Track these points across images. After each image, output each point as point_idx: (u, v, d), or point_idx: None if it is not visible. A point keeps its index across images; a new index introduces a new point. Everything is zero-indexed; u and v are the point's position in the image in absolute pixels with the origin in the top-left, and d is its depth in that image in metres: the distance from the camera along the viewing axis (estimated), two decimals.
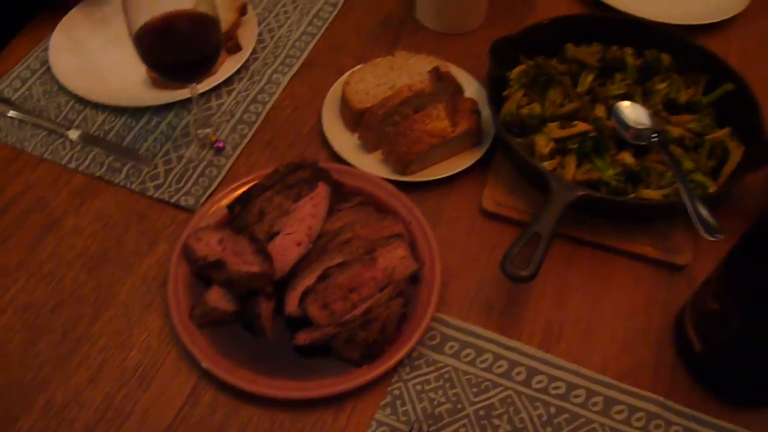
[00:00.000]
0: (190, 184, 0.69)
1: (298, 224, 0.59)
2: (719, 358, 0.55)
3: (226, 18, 0.80)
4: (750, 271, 0.49)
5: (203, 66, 0.64)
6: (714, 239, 0.58)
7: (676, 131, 0.69)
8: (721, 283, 0.52)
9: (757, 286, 0.49)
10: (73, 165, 0.71)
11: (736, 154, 0.68)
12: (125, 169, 0.71)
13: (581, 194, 0.61)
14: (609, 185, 0.65)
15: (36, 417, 0.55)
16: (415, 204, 0.65)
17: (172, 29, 0.61)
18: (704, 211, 0.59)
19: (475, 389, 0.57)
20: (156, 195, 0.68)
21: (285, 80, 0.79)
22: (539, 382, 0.57)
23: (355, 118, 0.72)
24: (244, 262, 0.57)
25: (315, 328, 0.56)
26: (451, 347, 0.59)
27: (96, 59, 0.80)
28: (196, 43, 0.63)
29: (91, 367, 0.57)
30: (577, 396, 0.56)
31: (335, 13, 0.88)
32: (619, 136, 0.69)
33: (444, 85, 0.71)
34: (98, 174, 0.70)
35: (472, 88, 0.76)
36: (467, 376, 0.57)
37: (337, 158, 0.71)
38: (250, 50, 0.81)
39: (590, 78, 0.75)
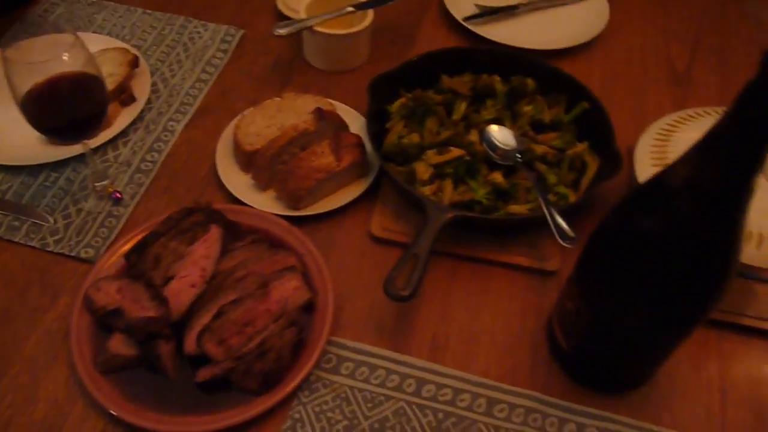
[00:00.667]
0: (90, 236, 0.72)
1: (192, 267, 0.63)
2: (581, 353, 0.62)
3: (118, 72, 0.83)
4: (593, 270, 0.56)
5: (91, 125, 0.67)
6: (568, 245, 0.65)
7: (540, 149, 0.77)
8: (573, 284, 0.59)
9: (599, 283, 0.56)
10: None
11: (592, 166, 0.76)
12: (25, 227, 0.72)
13: (453, 215, 0.67)
14: (482, 204, 0.72)
15: None
16: (308, 236, 0.70)
17: (56, 92, 0.64)
18: (560, 220, 0.66)
19: (369, 404, 0.61)
20: (56, 249, 0.70)
21: (180, 128, 0.83)
22: (428, 391, 0.62)
23: (246, 160, 0.76)
24: (141, 308, 0.60)
25: (214, 364, 0.60)
26: (347, 367, 0.64)
27: None
28: (81, 103, 0.66)
29: None
30: (462, 400, 0.62)
31: (226, 59, 0.92)
32: (490, 158, 0.76)
33: (327, 123, 0.76)
34: None
35: (358, 123, 0.82)
36: (362, 393, 0.62)
37: (233, 199, 0.75)
38: (144, 101, 0.84)
39: (464, 106, 0.82)
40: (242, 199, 0.74)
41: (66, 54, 0.63)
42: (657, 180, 0.50)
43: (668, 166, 0.49)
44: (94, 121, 0.67)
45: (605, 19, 0.99)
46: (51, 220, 0.73)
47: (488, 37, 0.96)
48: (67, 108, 0.65)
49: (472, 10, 1.00)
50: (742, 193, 0.45)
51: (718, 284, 0.51)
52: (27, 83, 0.63)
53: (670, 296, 0.52)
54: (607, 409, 0.62)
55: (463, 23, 0.97)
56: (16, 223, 0.73)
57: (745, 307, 0.69)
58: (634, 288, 0.53)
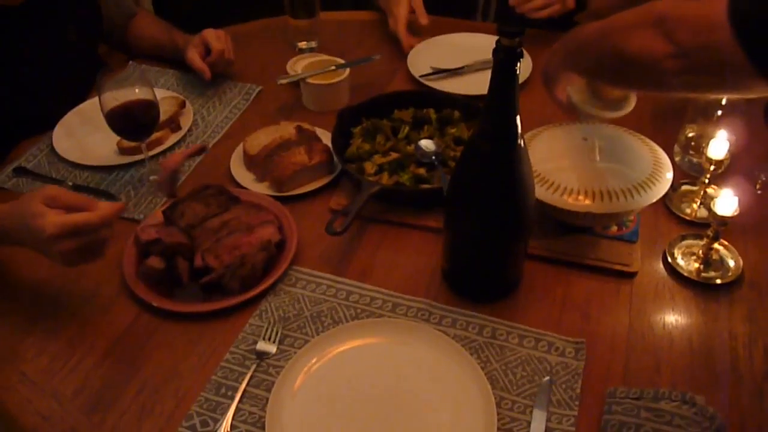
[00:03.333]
0: (142, 207, 1.07)
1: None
2: (454, 270, 0.90)
3: (170, 110, 1.22)
4: (449, 206, 0.86)
5: (148, 127, 1.04)
6: None
7: (451, 153, 1.08)
8: (444, 221, 0.89)
9: (454, 215, 0.85)
10: None
11: None
12: None
13: (378, 188, 0.99)
14: (405, 185, 1.03)
15: None
16: (287, 208, 1.03)
17: (129, 109, 1.02)
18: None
19: (311, 304, 0.91)
20: (122, 216, 1.05)
21: (210, 145, 1.20)
22: (353, 298, 0.92)
23: (249, 161, 1.11)
24: (174, 238, 0.93)
25: (212, 272, 0.91)
26: (302, 285, 0.94)
27: (83, 140, 1.20)
28: (143, 115, 1.03)
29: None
30: (376, 304, 0.91)
31: (247, 105, 1.30)
32: (418, 160, 1.08)
33: (304, 136, 1.11)
34: None
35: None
36: (308, 297, 0.92)
37: (240, 186, 1.09)
38: (186, 129, 1.22)
39: (407, 128, 1.15)
40: (245, 186, 1.08)
41: (137, 88, 1.01)
42: (470, 139, 0.81)
43: (475, 129, 0.80)
44: (150, 125, 1.04)
45: (527, 72, 1.33)
46: (121, 198, 1.08)
47: (440, 88, 1.30)
48: (134, 117, 1.02)
49: (428, 70, 1.36)
50: (509, 140, 0.76)
51: (517, 208, 0.80)
52: (110, 105, 1.01)
53: (492, 218, 0.81)
54: (476, 310, 0.89)
55: (419, 79, 1.32)
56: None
57: (589, 253, 0.96)
58: (471, 215, 0.83)
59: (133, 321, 0.90)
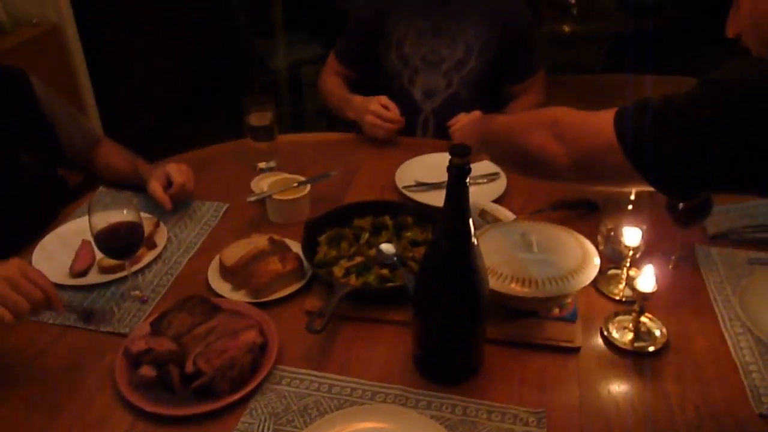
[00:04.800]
0: (126, 321, 1.14)
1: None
2: (423, 356, 1.02)
3: (146, 229, 1.31)
4: (416, 297, 0.99)
5: (134, 246, 1.13)
6: None
7: (410, 254, 1.22)
8: (413, 311, 1.01)
9: (420, 305, 0.98)
10: (50, 321, 1.14)
11: None
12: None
13: (349, 289, 1.11)
14: (371, 285, 1.16)
15: None
16: (265, 312, 1.12)
17: (115, 229, 1.11)
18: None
19: (297, 399, 0.99)
20: (105, 329, 1.12)
21: (185, 260, 1.29)
22: (335, 390, 1.01)
23: (225, 272, 1.21)
24: (164, 347, 1.01)
25: (203, 376, 0.99)
26: (287, 381, 1.02)
27: (64, 261, 1.27)
28: (129, 235, 1.12)
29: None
30: (356, 393, 1.00)
31: (216, 221, 1.42)
32: (381, 262, 1.21)
33: (276, 246, 1.23)
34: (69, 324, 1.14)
35: (298, 248, 1.28)
36: (294, 393, 1.00)
37: (218, 295, 1.18)
38: (162, 246, 1.31)
39: (366, 235, 1.29)
40: (223, 295, 1.18)
41: (125, 209, 1.11)
42: (432, 240, 0.95)
43: (435, 231, 0.94)
44: (135, 245, 1.13)
45: (502, 188, 1.51)
46: (104, 315, 1.15)
47: (418, 199, 1.46)
48: (120, 238, 1.12)
49: (408, 182, 1.53)
50: (465, 240, 0.91)
51: (475, 297, 0.94)
52: (98, 226, 1.10)
53: (455, 306, 0.95)
54: (447, 392, 0.99)
55: (402, 190, 1.48)
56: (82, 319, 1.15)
57: (538, 334, 1.09)
58: (438, 304, 0.96)
59: (129, 429, 0.95)
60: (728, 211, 1.36)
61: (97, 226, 1.10)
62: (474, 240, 0.92)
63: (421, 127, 1.91)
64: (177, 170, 1.43)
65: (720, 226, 1.33)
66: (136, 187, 1.46)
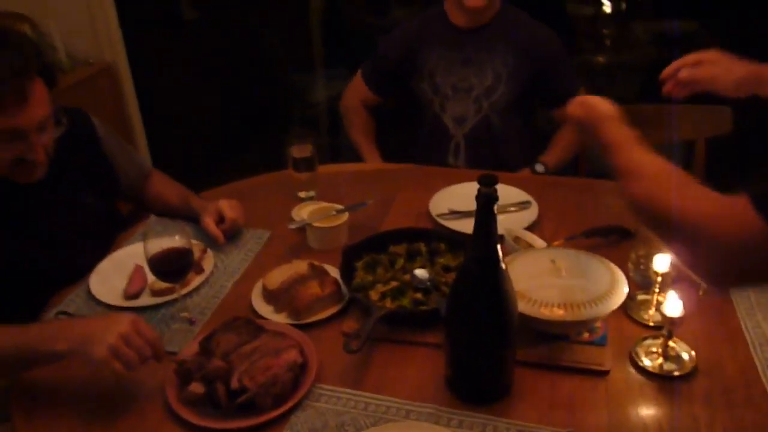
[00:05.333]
0: (176, 340, 1.21)
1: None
2: (455, 376, 1.06)
3: (195, 255, 1.39)
4: (447, 320, 1.03)
5: (185, 270, 1.21)
6: None
7: (443, 279, 1.28)
8: (444, 333, 1.05)
9: (451, 327, 1.02)
10: None
11: None
12: None
13: (385, 311, 1.16)
14: (406, 308, 1.21)
15: None
16: (306, 333, 1.18)
17: (167, 254, 1.19)
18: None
19: (335, 416, 1.04)
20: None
21: (230, 284, 1.37)
22: (371, 408, 1.06)
23: (269, 295, 1.28)
24: (214, 363, 1.07)
25: (248, 392, 1.05)
26: (325, 399, 1.08)
27: (118, 285, 1.36)
28: (180, 260, 1.21)
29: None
30: (391, 412, 1.05)
31: (260, 248, 1.49)
32: (415, 286, 1.27)
33: (316, 271, 1.29)
34: None
35: (337, 273, 1.34)
36: (331, 411, 1.05)
37: (261, 317, 1.25)
38: (209, 271, 1.39)
39: (401, 261, 1.35)
40: (265, 317, 1.24)
41: (177, 236, 1.20)
42: (462, 265, 1.01)
43: (465, 256, 1.00)
44: (185, 269, 1.21)
45: (534, 215, 1.55)
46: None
47: (450, 227, 1.51)
48: (172, 262, 1.20)
49: (442, 211, 1.58)
50: (493, 265, 0.95)
51: (504, 319, 0.98)
52: (152, 252, 1.19)
53: (486, 328, 0.99)
54: (478, 412, 1.03)
55: (435, 218, 1.54)
56: None
57: (567, 357, 1.12)
58: (469, 326, 1.00)
59: None
60: None
61: (151, 251, 1.18)
62: (502, 265, 0.97)
63: (453, 153, 1.97)
64: (228, 206, 1.51)
65: None
66: (185, 217, 1.55)
